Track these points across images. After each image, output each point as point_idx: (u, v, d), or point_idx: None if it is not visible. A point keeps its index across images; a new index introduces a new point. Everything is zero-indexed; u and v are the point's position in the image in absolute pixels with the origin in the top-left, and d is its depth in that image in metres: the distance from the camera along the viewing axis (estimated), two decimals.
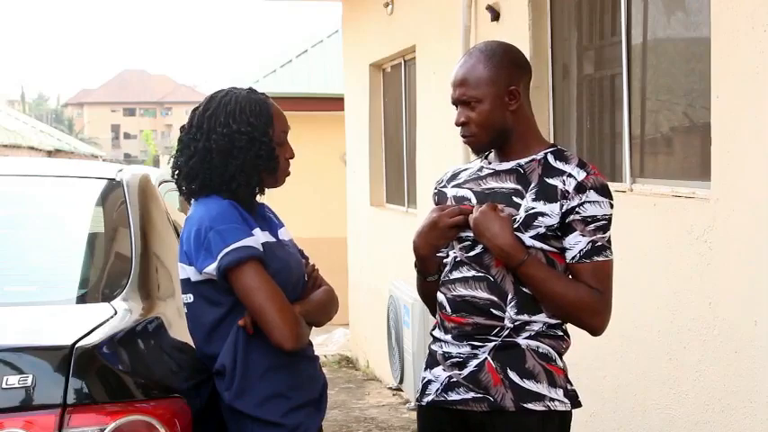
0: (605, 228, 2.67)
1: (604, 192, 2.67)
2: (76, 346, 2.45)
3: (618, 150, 4.93)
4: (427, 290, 2.89)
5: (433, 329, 2.86)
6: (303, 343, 2.77)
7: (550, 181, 2.68)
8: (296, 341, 2.69)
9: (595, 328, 2.74)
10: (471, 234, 2.72)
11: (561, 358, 2.75)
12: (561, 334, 2.75)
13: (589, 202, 2.64)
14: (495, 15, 5.96)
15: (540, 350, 2.70)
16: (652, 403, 4.35)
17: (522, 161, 2.73)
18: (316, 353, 2.94)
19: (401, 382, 6.90)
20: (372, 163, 9.43)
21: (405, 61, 8.46)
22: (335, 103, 11.43)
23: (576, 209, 2.64)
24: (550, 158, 2.72)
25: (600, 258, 2.66)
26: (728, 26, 3.74)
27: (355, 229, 10.14)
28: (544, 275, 2.66)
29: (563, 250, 2.69)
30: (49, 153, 22.72)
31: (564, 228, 2.66)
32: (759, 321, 3.62)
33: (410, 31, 7.84)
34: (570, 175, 2.66)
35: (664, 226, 4.27)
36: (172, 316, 2.95)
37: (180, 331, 2.87)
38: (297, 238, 3.04)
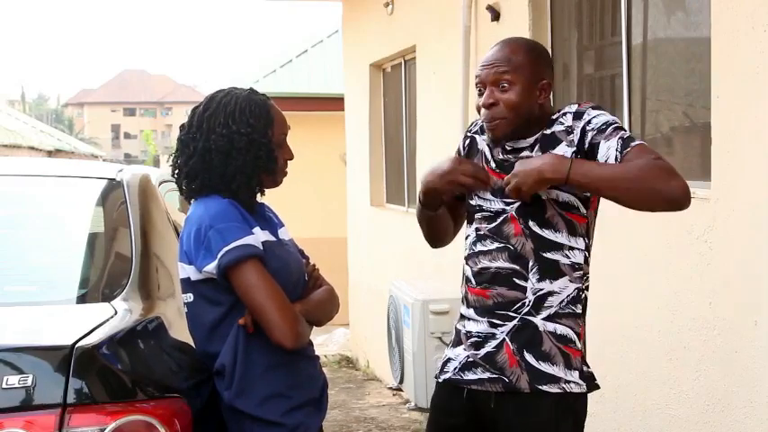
0: (621, 127, 2.68)
1: (600, 108, 2.75)
2: (76, 346, 2.44)
3: None
4: (426, 218, 2.94)
5: (461, 305, 2.88)
6: (304, 342, 2.77)
7: (548, 131, 2.73)
8: (296, 340, 2.69)
9: (675, 192, 2.56)
10: (491, 206, 2.76)
11: (580, 339, 2.76)
12: (580, 312, 2.76)
13: (594, 117, 2.69)
14: (496, 15, 5.96)
15: (558, 332, 2.72)
16: (652, 403, 4.35)
17: (531, 139, 2.77)
18: (316, 352, 2.94)
19: (401, 382, 6.89)
20: (372, 163, 9.43)
21: (405, 61, 8.46)
22: (335, 103, 11.43)
23: (587, 127, 2.68)
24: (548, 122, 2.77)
25: (636, 143, 2.64)
26: (728, 26, 3.74)
27: (355, 229, 10.14)
28: (593, 166, 2.61)
29: (579, 206, 2.71)
30: (49, 153, 22.71)
31: (588, 152, 2.66)
32: (759, 321, 3.62)
33: (410, 31, 7.84)
34: (564, 114, 2.74)
35: (664, 226, 4.27)
36: (172, 316, 2.95)
37: (180, 331, 2.87)
38: (297, 238, 3.04)
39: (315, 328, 2.88)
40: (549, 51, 5.49)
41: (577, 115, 2.71)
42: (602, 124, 2.67)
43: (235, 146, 2.75)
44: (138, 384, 2.53)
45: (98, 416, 2.40)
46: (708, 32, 3.92)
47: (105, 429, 2.39)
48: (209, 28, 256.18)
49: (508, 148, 2.80)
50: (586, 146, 2.67)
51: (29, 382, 2.38)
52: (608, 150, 2.63)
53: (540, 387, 2.68)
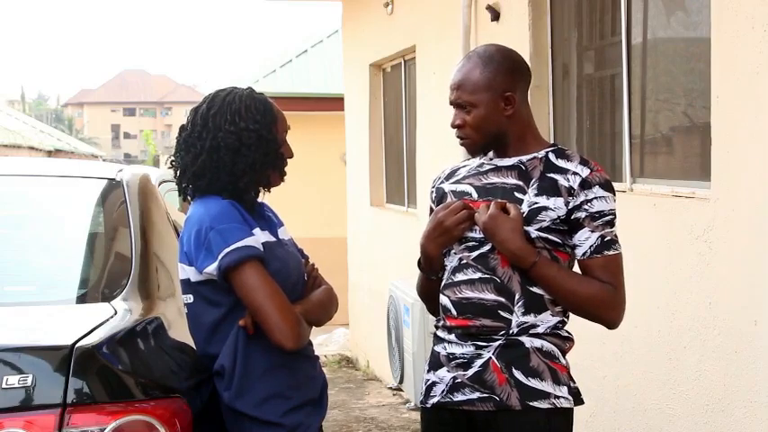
0: (612, 222, 2.71)
1: (608, 187, 2.71)
2: (76, 345, 2.44)
3: (618, 150, 4.93)
4: (430, 289, 2.89)
5: (436, 329, 2.86)
6: (304, 342, 2.77)
7: (552, 176, 2.70)
8: (297, 341, 2.69)
9: (611, 322, 2.77)
10: (475, 235, 2.73)
11: (564, 356, 2.76)
12: (566, 335, 2.77)
13: (596, 198, 2.68)
14: (495, 15, 5.96)
15: (545, 348, 2.71)
16: (652, 403, 4.35)
17: (524, 158, 2.76)
18: (315, 353, 2.94)
19: (401, 382, 6.89)
20: (372, 163, 9.43)
21: (405, 61, 8.46)
22: (335, 103, 11.43)
23: (583, 206, 2.67)
24: (552, 156, 2.75)
25: (610, 252, 2.70)
26: (728, 26, 3.74)
27: (355, 229, 10.14)
28: (555, 274, 2.68)
29: (565, 245, 2.71)
30: (49, 153, 22.73)
31: (571, 224, 2.69)
32: (759, 321, 3.62)
33: (410, 31, 7.84)
34: (575, 173, 2.69)
35: (664, 226, 4.27)
36: (172, 316, 2.95)
37: (180, 331, 2.87)
38: (297, 238, 3.04)
39: (314, 328, 2.88)
40: (549, 51, 5.53)
41: (584, 184, 2.68)
42: (597, 213, 2.67)
43: (244, 142, 2.76)
44: (138, 384, 2.53)
45: (98, 416, 2.40)
46: (708, 32, 3.92)
47: (105, 429, 2.39)
48: (209, 28, 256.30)
49: (490, 167, 2.79)
50: (572, 216, 2.68)
51: (29, 382, 2.38)
52: (585, 240, 2.69)
53: (530, 403, 2.67)
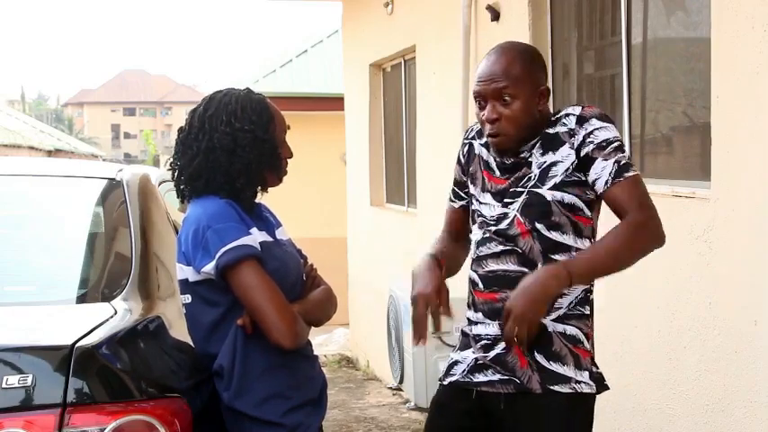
0: (621, 148, 2.68)
1: (606, 118, 2.71)
2: (76, 345, 2.44)
3: None
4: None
5: (468, 308, 2.85)
6: (302, 342, 2.77)
7: (551, 131, 2.72)
8: (295, 340, 2.69)
9: (659, 244, 2.69)
10: (493, 212, 2.75)
11: (588, 340, 2.75)
12: (588, 313, 2.75)
13: (596, 129, 2.67)
14: (495, 15, 5.97)
15: (568, 332, 2.70)
16: (652, 403, 4.35)
17: (531, 142, 2.77)
18: (315, 352, 2.93)
19: (401, 382, 6.89)
20: (372, 163, 9.43)
21: (405, 61, 8.47)
22: (335, 103, 11.43)
23: (587, 139, 2.66)
24: (551, 119, 2.77)
25: (630, 174, 2.65)
26: (728, 26, 3.74)
27: (355, 228, 10.14)
28: (590, 259, 2.59)
29: (583, 207, 2.69)
30: (49, 153, 22.73)
31: (583, 162, 2.67)
32: (759, 321, 3.62)
33: (410, 31, 7.84)
34: (568, 115, 2.71)
35: (664, 226, 4.26)
36: (172, 316, 2.95)
37: (180, 331, 2.87)
38: (297, 238, 3.04)
39: (314, 328, 2.88)
40: (549, 51, 5.53)
41: (581, 120, 2.68)
42: (603, 141, 2.66)
43: (239, 143, 2.76)
44: (138, 384, 2.53)
45: (98, 416, 2.40)
46: (708, 32, 3.92)
47: (105, 429, 2.39)
48: (209, 28, 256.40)
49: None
50: (582, 154, 2.67)
51: (29, 382, 2.38)
52: (602, 170, 2.64)
53: (551, 387, 2.67)
